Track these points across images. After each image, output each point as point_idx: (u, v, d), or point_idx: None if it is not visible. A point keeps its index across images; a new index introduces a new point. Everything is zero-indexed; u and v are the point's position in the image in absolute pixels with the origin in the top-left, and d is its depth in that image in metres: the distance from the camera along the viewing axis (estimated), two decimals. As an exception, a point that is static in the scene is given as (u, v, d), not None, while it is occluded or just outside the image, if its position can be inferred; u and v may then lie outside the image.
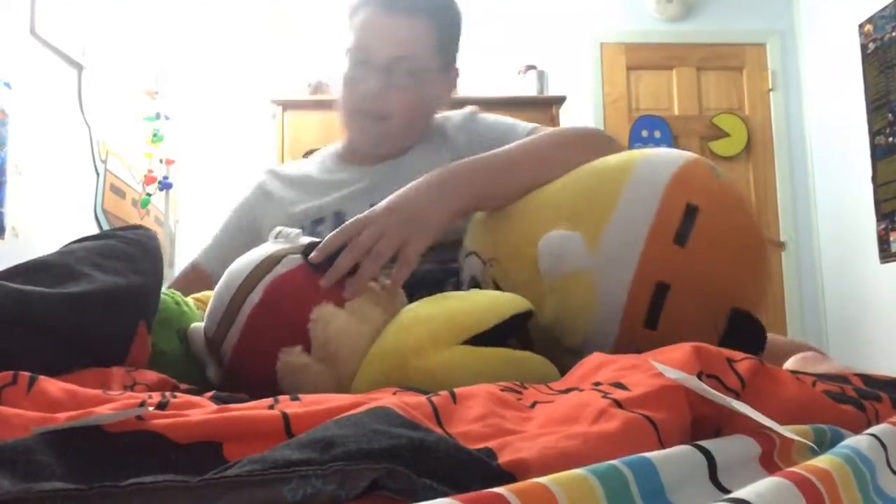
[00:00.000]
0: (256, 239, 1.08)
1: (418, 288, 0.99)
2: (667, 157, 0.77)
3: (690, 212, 0.70)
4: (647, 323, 0.69)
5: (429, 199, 0.81)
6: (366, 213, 0.78)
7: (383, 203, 0.80)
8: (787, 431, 0.41)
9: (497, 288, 0.82)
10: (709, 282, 0.69)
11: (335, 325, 0.72)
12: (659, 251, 0.70)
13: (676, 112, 3.88)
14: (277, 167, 1.27)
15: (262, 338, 0.73)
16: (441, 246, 0.98)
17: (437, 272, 0.99)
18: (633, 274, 0.69)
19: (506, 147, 0.92)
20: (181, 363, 0.85)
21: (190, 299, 0.97)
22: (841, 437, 0.44)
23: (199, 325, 0.82)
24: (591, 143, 0.91)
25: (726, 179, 0.78)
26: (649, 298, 0.69)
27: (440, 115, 1.21)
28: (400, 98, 1.09)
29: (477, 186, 0.85)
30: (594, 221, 0.73)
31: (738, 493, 0.30)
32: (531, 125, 1.10)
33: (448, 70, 1.18)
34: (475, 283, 0.86)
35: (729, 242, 0.72)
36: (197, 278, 1.13)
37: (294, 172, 1.23)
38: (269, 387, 0.70)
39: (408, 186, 0.84)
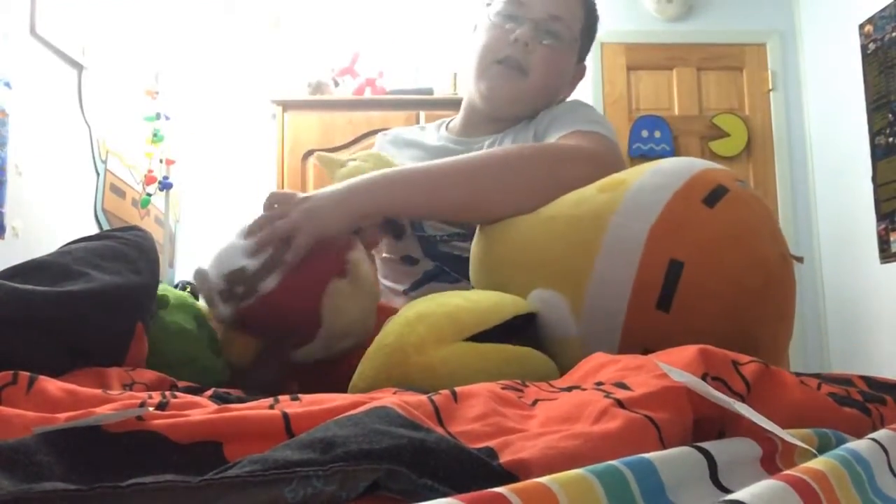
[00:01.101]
0: None
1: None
2: (652, 196, 0.69)
3: (674, 269, 0.64)
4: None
5: (335, 199, 0.86)
6: (296, 192, 0.87)
7: (310, 192, 0.88)
8: (787, 435, 0.41)
9: None
10: (696, 343, 0.65)
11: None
12: (641, 319, 0.66)
13: (676, 112, 3.88)
14: (395, 130, 1.31)
15: (313, 271, 0.81)
16: None
17: None
18: (617, 343, 0.67)
19: (444, 160, 0.93)
20: (199, 341, 0.92)
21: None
22: (845, 443, 0.44)
23: (205, 268, 0.86)
24: (567, 167, 0.90)
25: (737, 196, 0.67)
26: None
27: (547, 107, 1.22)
28: (543, 55, 1.12)
29: (385, 196, 0.89)
30: (575, 284, 0.71)
31: (735, 496, 0.30)
32: (574, 129, 1.05)
33: (580, 61, 1.21)
34: None
35: (720, 296, 0.64)
36: None
37: (407, 136, 1.27)
38: (296, 321, 0.80)
39: (335, 185, 0.90)
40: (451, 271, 1.09)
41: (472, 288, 0.99)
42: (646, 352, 0.61)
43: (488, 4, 1.17)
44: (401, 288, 1.13)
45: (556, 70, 1.15)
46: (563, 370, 0.68)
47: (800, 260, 0.73)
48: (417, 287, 1.11)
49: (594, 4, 1.20)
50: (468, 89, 1.21)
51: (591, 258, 0.69)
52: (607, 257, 0.68)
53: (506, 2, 1.14)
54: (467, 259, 1.04)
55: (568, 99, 1.23)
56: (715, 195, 0.67)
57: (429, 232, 1.11)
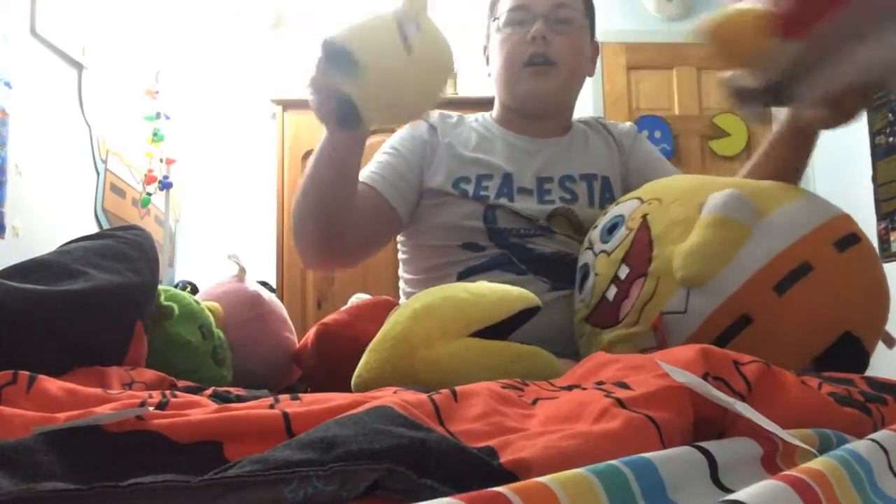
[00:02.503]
0: (422, 170, 1.16)
1: (561, 270, 1.04)
2: (809, 214, 0.79)
3: (853, 236, 0.75)
4: (777, 287, 0.72)
5: None
6: None
7: None
8: (788, 436, 0.41)
9: (643, 221, 0.83)
10: (847, 290, 0.73)
11: None
12: (816, 243, 0.74)
13: (677, 112, 3.88)
14: (443, 113, 1.28)
15: None
16: (582, 229, 1.06)
17: (576, 258, 1.04)
18: (783, 248, 0.73)
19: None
20: (202, 354, 0.92)
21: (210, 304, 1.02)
22: (845, 444, 0.44)
23: None
24: None
25: (868, 248, 0.79)
26: (788, 271, 0.72)
27: (592, 118, 1.29)
28: (562, 42, 1.16)
29: None
30: (769, 203, 0.77)
31: (734, 496, 0.30)
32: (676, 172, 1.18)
33: (592, 39, 1.24)
34: (614, 224, 0.88)
35: (874, 279, 0.76)
36: (377, 205, 1.12)
37: (455, 123, 1.24)
38: None
39: None
40: (519, 262, 1.07)
41: (545, 285, 1.01)
42: (803, 264, 0.71)
43: (495, 19, 1.20)
44: (453, 272, 1.10)
45: (579, 52, 1.19)
46: (706, 251, 0.74)
47: (889, 343, 0.80)
48: (474, 273, 1.08)
49: None
50: (501, 98, 1.23)
51: (793, 196, 0.79)
52: (807, 200, 0.78)
53: (509, 10, 1.17)
54: (539, 254, 1.06)
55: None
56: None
57: (501, 225, 1.09)
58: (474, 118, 1.27)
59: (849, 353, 0.72)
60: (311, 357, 1.02)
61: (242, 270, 1.14)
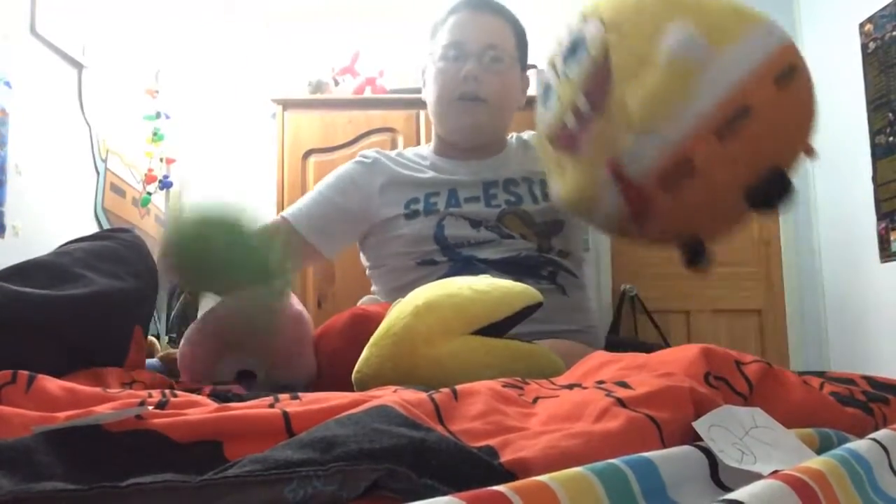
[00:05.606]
0: (359, 206, 1.23)
1: (516, 270, 1.10)
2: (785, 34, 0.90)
3: (793, 68, 0.84)
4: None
5: None
6: None
7: None
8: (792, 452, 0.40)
9: (603, 52, 0.87)
10: (783, 126, 0.82)
11: None
12: (759, 84, 0.81)
13: (677, 111, 3.87)
14: (382, 151, 1.36)
15: None
16: (542, 231, 1.16)
17: (536, 258, 1.14)
18: (672, 149, 0.80)
19: None
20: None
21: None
22: (846, 443, 0.44)
23: None
24: None
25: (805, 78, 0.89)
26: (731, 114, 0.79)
27: (531, 135, 1.35)
28: (492, 81, 1.23)
29: None
30: (722, 38, 0.84)
31: (733, 495, 0.30)
32: None
33: (523, 73, 1.33)
34: (576, 42, 0.92)
35: (808, 111, 0.85)
36: (287, 232, 1.21)
37: (395, 156, 1.33)
38: None
39: None
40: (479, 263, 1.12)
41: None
42: (743, 108, 0.78)
43: (431, 54, 1.29)
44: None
45: (508, 88, 1.27)
46: (668, 89, 0.81)
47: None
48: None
49: (517, 20, 1.31)
50: (436, 129, 1.32)
51: (741, 30, 0.87)
52: (757, 32, 0.87)
53: (445, 47, 1.25)
54: (493, 261, 1.12)
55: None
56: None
57: (451, 241, 1.16)
58: (413, 151, 1.36)
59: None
60: (338, 337, 1.00)
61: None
